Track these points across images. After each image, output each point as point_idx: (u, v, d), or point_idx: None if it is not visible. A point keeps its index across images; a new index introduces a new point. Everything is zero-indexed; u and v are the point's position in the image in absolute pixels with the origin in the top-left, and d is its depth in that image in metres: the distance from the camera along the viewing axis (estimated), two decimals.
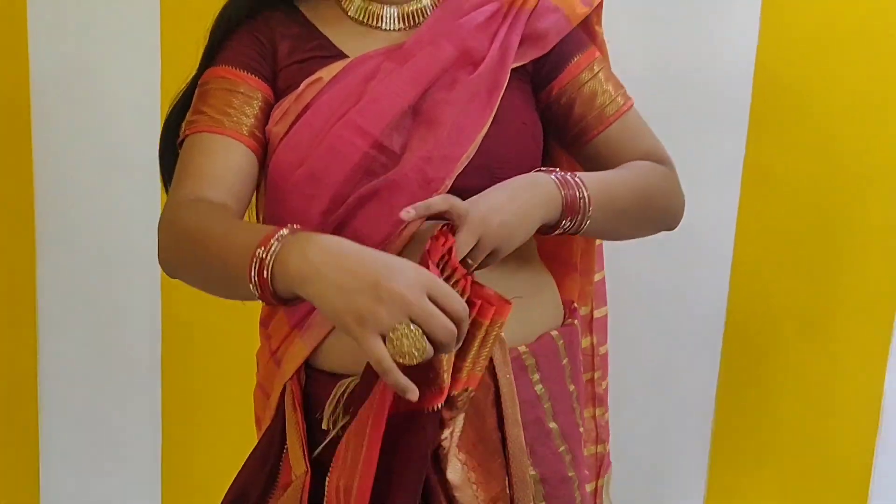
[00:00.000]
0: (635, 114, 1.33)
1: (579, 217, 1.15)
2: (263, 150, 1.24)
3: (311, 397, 1.23)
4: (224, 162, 1.20)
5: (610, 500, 1.51)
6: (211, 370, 2.24)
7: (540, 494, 1.21)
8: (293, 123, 1.22)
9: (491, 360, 1.15)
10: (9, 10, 2.12)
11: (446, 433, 1.11)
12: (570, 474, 1.25)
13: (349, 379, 1.18)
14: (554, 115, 1.30)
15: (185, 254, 1.14)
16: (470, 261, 1.07)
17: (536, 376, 1.22)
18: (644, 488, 2.15)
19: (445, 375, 1.02)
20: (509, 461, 1.17)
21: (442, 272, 1.02)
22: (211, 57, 1.28)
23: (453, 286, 0.99)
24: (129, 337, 2.25)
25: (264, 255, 0.99)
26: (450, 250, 1.03)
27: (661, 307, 2.11)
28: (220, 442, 2.18)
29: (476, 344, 1.03)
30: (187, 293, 2.19)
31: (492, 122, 1.20)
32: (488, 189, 1.12)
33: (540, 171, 1.17)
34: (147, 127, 2.13)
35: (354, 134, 1.17)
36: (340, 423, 1.18)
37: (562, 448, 1.25)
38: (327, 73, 1.23)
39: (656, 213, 1.30)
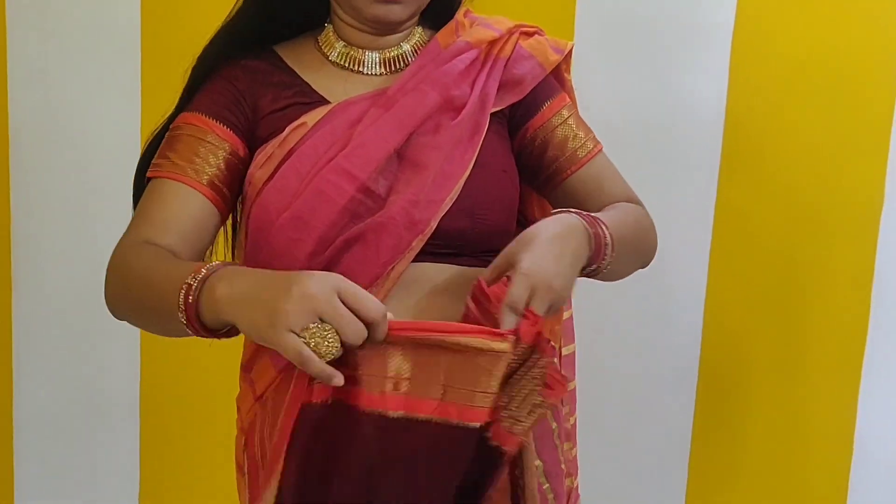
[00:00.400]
0: (605, 157, 1.38)
1: (605, 258, 1.19)
2: (224, 201, 1.26)
3: None
4: (179, 209, 1.22)
5: None
6: (190, 413, 2.28)
7: None
8: (278, 167, 1.24)
9: None
10: None
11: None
12: None
13: None
14: (528, 157, 1.34)
15: (128, 293, 1.17)
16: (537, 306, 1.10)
17: None
18: None
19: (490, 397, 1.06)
20: None
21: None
22: (187, 100, 1.30)
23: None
24: (106, 378, 2.27)
25: (192, 282, 1.05)
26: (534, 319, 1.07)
27: (636, 345, 2.19)
28: (198, 485, 2.23)
29: (526, 379, 1.07)
30: (169, 342, 2.24)
31: (473, 166, 1.24)
32: (530, 241, 1.12)
33: (562, 212, 1.19)
34: (125, 170, 2.13)
35: (341, 178, 1.20)
36: None
37: (545, 486, 1.27)
38: (311, 118, 1.25)
39: (647, 249, 1.35)
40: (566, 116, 1.34)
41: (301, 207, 1.20)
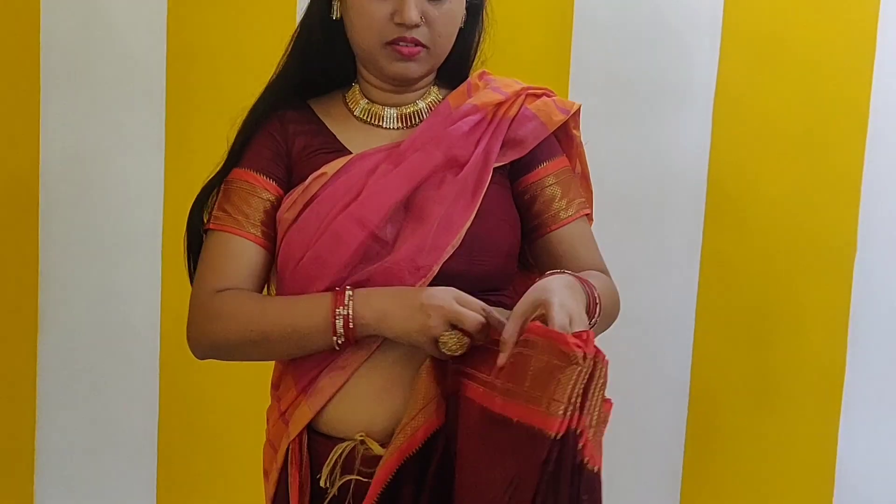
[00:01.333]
0: (586, 224, 1.50)
1: (595, 318, 1.32)
2: (274, 243, 1.44)
3: (312, 458, 1.37)
4: (240, 259, 1.42)
5: None
6: (207, 446, 2.38)
7: None
8: (301, 211, 1.40)
9: None
10: (24, 100, 2.31)
11: None
12: None
13: (346, 443, 1.33)
14: (526, 204, 1.48)
15: (251, 331, 1.37)
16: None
17: None
18: None
19: (568, 409, 1.14)
20: None
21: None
22: (238, 155, 1.47)
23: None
24: (127, 412, 2.38)
25: (346, 313, 1.32)
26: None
27: (627, 383, 2.26)
28: None
29: (596, 389, 1.16)
30: (184, 369, 2.34)
31: (475, 216, 1.38)
32: (549, 288, 1.24)
33: (558, 272, 1.31)
34: (150, 213, 2.33)
35: (355, 224, 1.36)
36: (338, 483, 1.33)
37: None
38: (331, 168, 1.40)
39: (614, 315, 1.47)
40: (559, 178, 1.47)
41: (320, 248, 1.36)
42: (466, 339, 1.27)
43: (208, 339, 1.40)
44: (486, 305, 1.29)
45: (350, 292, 1.32)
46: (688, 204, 2.29)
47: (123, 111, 2.33)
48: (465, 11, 1.46)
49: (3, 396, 2.41)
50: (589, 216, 1.52)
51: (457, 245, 1.36)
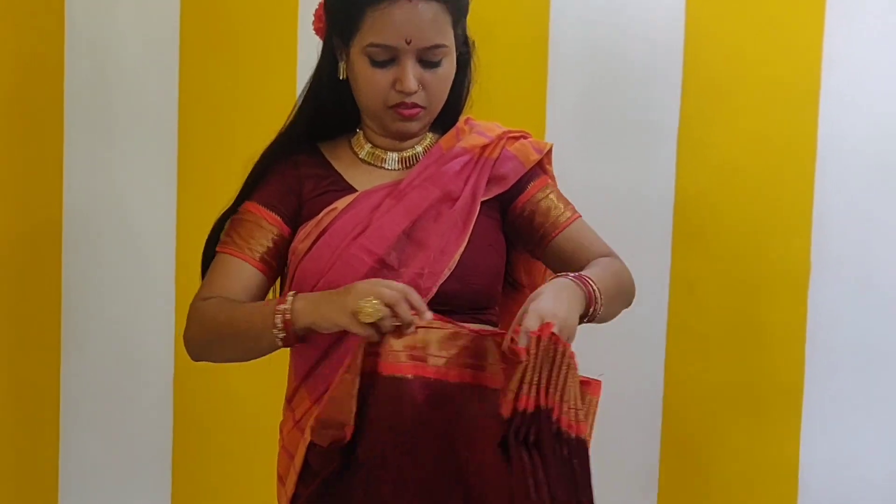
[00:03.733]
0: (584, 222, 1.68)
1: (597, 306, 1.46)
2: (271, 270, 1.61)
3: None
4: (237, 277, 1.59)
5: None
6: (219, 461, 2.51)
7: None
8: (314, 242, 1.57)
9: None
10: (49, 143, 2.48)
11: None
12: None
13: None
14: (521, 226, 1.66)
15: (212, 331, 1.55)
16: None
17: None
18: None
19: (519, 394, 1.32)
20: None
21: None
22: (250, 190, 1.64)
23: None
24: (143, 432, 2.52)
25: (283, 309, 1.45)
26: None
27: (606, 395, 2.39)
28: None
29: (561, 372, 1.33)
30: (196, 392, 2.49)
31: (466, 244, 1.57)
32: (536, 295, 1.40)
33: (558, 276, 1.46)
34: (164, 247, 2.49)
35: (363, 253, 1.53)
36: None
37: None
38: (341, 203, 1.58)
39: (627, 291, 1.63)
40: (548, 192, 1.65)
41: (332, 275, 1.54)
42: (383, 308, 1.35)
43: (188, 341, 1.60)
44: (410, 289, 1.40)
45: (292, 295, 1.46)
46: (657, 230, 2.41)
47: (139, 153, 2.49)
48: (455, 65, 1.61)
49: (30, 420, 2.54)
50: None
51: (452, 268, 1.54)
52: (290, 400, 1.63)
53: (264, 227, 1.61)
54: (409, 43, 1.52)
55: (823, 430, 2.44)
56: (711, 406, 2.45)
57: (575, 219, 1.66)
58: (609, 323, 1.65)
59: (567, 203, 1.68)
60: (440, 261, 1.54)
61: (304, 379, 1.60)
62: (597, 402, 1.43)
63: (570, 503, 1.33)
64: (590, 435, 1.40)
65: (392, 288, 1.39)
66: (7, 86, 2.47)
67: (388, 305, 1.37)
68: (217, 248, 1.63)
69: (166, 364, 2.51)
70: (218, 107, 2.46)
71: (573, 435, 1.34)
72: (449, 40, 1.56)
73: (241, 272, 1.59)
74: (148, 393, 2.52)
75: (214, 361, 1.63)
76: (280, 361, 2.43)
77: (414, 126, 1.60)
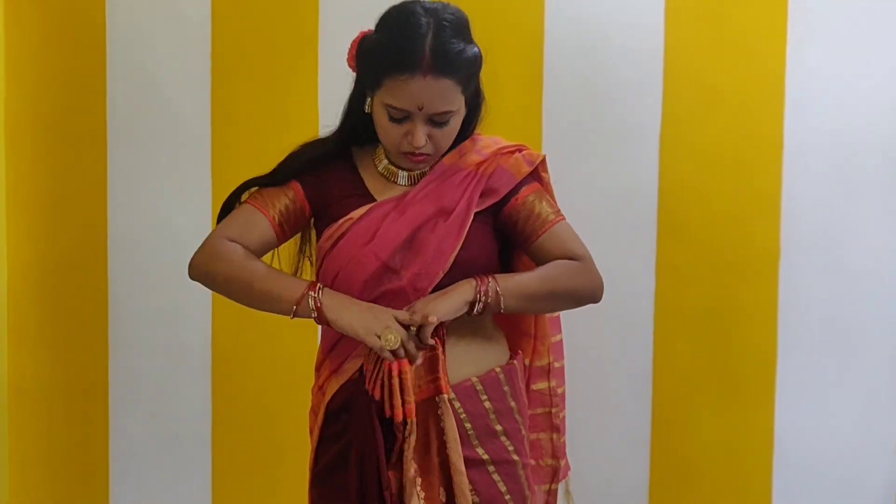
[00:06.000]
0: (565, 225, 1.87)
1: (493, 299, 1.74)
2: (282, 232, 1.84)
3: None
4: (254, 229, 1.81)
5: (571, 496, 2.04)
6: (255, 444, 2.68)
7: (493, 471, 1.79)
8: (334, 244, 1.79)
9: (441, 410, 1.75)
10: (93, 157, 2.63)
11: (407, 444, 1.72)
12: (513, 458, 1.82)
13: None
14: (510, 225, 1.84)
15: (227, 273, 1.78)
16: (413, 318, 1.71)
17: (485, 397, 1.81)
18: None
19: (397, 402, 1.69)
20: (451, 481, 1.73)
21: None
22: (290, 164, 1.85)
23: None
24: (184, 419, 2.70)
25: (315, 295, 1.73)
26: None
27: (598, 376, 2.59)
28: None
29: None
30: (233, 381, 2.68)
31: (461, 248, 1.75)
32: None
33: (472, 278, 1.76)
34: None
35: (371, 257, 1.75)
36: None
37: (506, 442, 1.82)
38: (357, 213, 1.79)
39: (565, 293, 1.83)
40: (533, 199, 1.83)
41: (345, 273, 1.78)
42: (401, 337, 1.68)
43: (205, 269, 1.81)
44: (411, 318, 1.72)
45: (320, 288, 1.73)
46: (643, 221, 2.57)
47: (175, 163, 2.64)
48: (465, 111, 1.77)
49: (80, 410, 2.71)
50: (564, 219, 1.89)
51: (446, 270, 1.75)
52: (317, 368, 1.89)
53: (290, 197, 1.83)
54: (420, 109, 1.70)
55: (795, 398, 2.61)
56: (695, 378, 2.61)
57: (555, 222, 1.84)
58: (600, 305, 1.89)
59: (552, 207, 1.87)
60: (435, 264, 1.75)
61: (328, 353, 1.84)
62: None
63: None
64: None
65: (402, 323, 1.70)
66: (54, 105, 2.64)
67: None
68: (247, 200, 1.84)
69: (204, 354, 2.68)
70: (246, 121, 2.62)
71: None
72: (457, 104, 1.74)
73: (259, 225, 1.81)
74: (188, 379, 2.68)
75: (210, 289, 1.86)
76: (310, 352, 2.64)
77: (422, 166, 1.81)
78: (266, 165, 2.48)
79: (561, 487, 2.03)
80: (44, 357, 2.71)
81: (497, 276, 1.78)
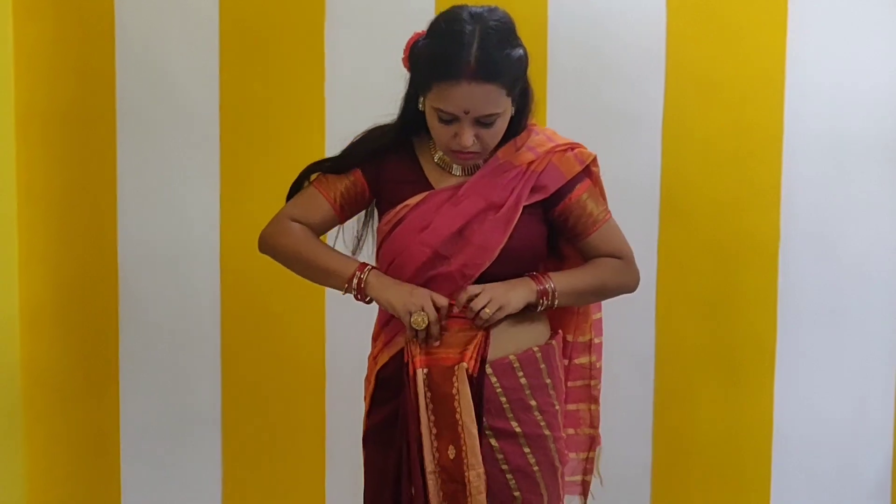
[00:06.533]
0: (612, 224, 2.01)
1: (550, 298, 1.89)
2: (342, 213, 1.99)
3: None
4: (316, 211, 1.98)
5: (599, 470, 2.14)
6: (264, 423, 2.74)
7: (524, 444, 1.91)
8: (392, 229, 1.92)
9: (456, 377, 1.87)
10: (103, 145, 2.67)
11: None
12: (545, 433, 1.94)
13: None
14: (562, 222, 1.97)
15: (291, 249, 1.97)
16: (487, 310, 1.85)
17: (521, 373, 1.92)
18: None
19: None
20: (463, 434, 1.85)
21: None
22: (353, 157, 1.97)
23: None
24: (194, 397, 2.75)
25: (361, 276, 1.91)
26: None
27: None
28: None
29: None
30: (242, 362, 2.73)
31: (508, 240, 1.88)
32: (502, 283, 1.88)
33: (529, 275, 1.89)
34: (209, 234, 2.70)
35: (424, 246, 1.89)
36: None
37: (538, 416, 1.93)
38: (413, 200, 1.91)
39: (609, 289, 2.00)
40: (584, 200, 1.95)
41: (400, 260, 1.91)
42: (428, 320, 1.85)
43: (272, 242, 2.00)
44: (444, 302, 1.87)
45: (368, 266, 1.92)
46: (645, 206, 2.63)
47: (184, 153, 2.68)
48: (513, 107, 1.86)
49: (92, 393, 2.76)
50: (611, 217, 2.01)
51: (492, 260, 1.88)
52: (373, 339, 2.04)
53: (352, 180, 1.97)
54: (466, 113, 1.81)
55: (794, 381, 2.68)
56: (697, 362, 2.69)
57: (604, 222, 1.99)
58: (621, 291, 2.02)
59: (601, 206, 1.99)
60: (482, 255, 1.89)
61: (383, 326, 2.00)
62: None
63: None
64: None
65: (437, 306, 1.85)
66: (65, 98, 2.67)
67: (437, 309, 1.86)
68: (314, 183, 2.00)
69: (214, 338, 2.74)
70: (255, 111, 2.67)
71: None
72: (502, 107, 1.83)
73: (321, 207, 1.98)
74: (197, 358, 2.74)
75: (275, 260, 2.02)
76: (317, 335, 2.68)
77: (471, 164, 1.93)
78: (274, 156, 2.53)
79: (596, 456, 2.14)
80: (56, 342, 2.75)
81: (553, 276, 1.91)
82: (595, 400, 2.12)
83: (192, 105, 2.68)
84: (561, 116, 2.61)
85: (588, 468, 2.12)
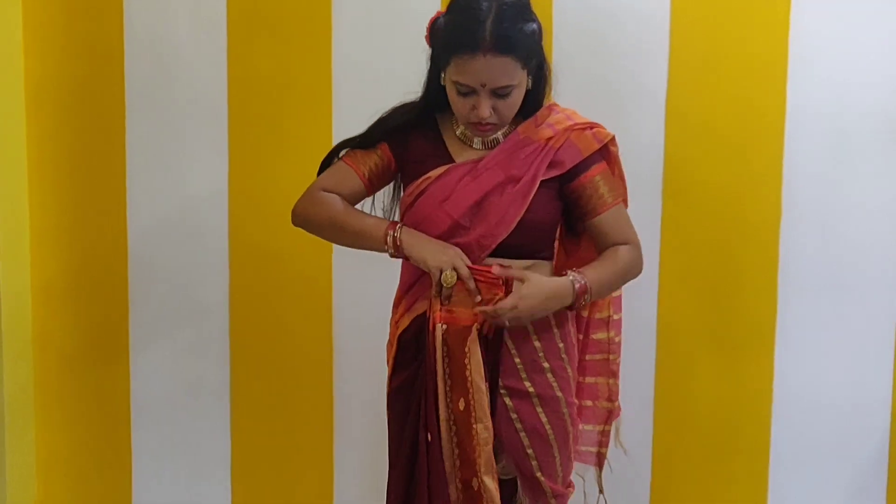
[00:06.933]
0: (620, 209, 2.07)
1: (586, 298, 1.97)
2: (371, 185, 2.09)
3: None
4: (346, 182, 2.07)
5: (621, 441, 2.22)
6: (271, 392, 2.79)
7: (537, 404, 2.02)
8: (415, 200, 2.01)
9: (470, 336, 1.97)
10: (112, 121, 2.69)
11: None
12: (557, 394, 2.04)
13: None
14: (574, 199, 2.05)
15: (324, 217, 2.06)
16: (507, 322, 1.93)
17: (535, 337, 2.02)
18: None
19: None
20: (471, 390, 1.96)
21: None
22: (380, 133, 2.06)
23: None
24: (203, 370, 2.79)
25: (394, 234, 1.99)
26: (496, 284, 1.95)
27: None
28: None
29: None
30: (249, 336, 2.77)
31: (525, 213, 1.96)
32: (542, 282, 1.94)
33: (566, 274, 1.96)
34: (217, 209, 2.72)
35: (444, 215, 1.99)
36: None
37: (551, 378, 2.04)
38: (435, 173, 2.00)
39: (627, 278, 2.09)
40: (597, 181, 2.02)
41: (422, 227, 2.01)
42: (457, 279, 1.95)
43: (306, 213, 2.08)
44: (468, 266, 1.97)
45: (400, 224, 2.00)
46: (649, 184, 2.64)
47: (193, 130, 2.71)
48: (529, 80, 1.94)
49: (102, 362, 2.81)
50: (625, 201, 2.07)
51: (509, 231, 1.96)
52: (395, 306, 2.14)
53: (379, 155, 2.07)
54: (483, 86, 1.90)
55: (793, 354, 2.72)
56: (698, 335, 2.72)
57: (613, 205, 2.05)
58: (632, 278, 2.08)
59: (614, 190, 2.05)
60: (500, 227, 1.97)
61: (404, 293, 2.09)
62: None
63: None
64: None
65: (464, 269, 1.94)
66: (74, 75, 2.70)
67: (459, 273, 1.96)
68: (344, 158, 2.09)
69: (222, 309, 2.78)
70: (262, 87, 2.69)
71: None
72: (518, 79, 1.92)
73: (351, 179, 2.08)
74: (205, 332, 2.79)
75: (309, 232, 2.12)
76: (324, 303, 2.69)
77: (490, 135, 2.00)
78: (282, 133, 2.55)
79: (613, 427, 2.23)
80: (67, 315, 2.80)
81: (588, 274, 1.97)
82: (614, 374, 2.19)
83: (201, 82, 2.70)
84: (564, 90, 2.46)
85: (604, 441, 2.20)
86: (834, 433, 2.76)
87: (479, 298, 1.95)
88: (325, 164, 2.13)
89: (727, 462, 2.78)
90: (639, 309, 2.68)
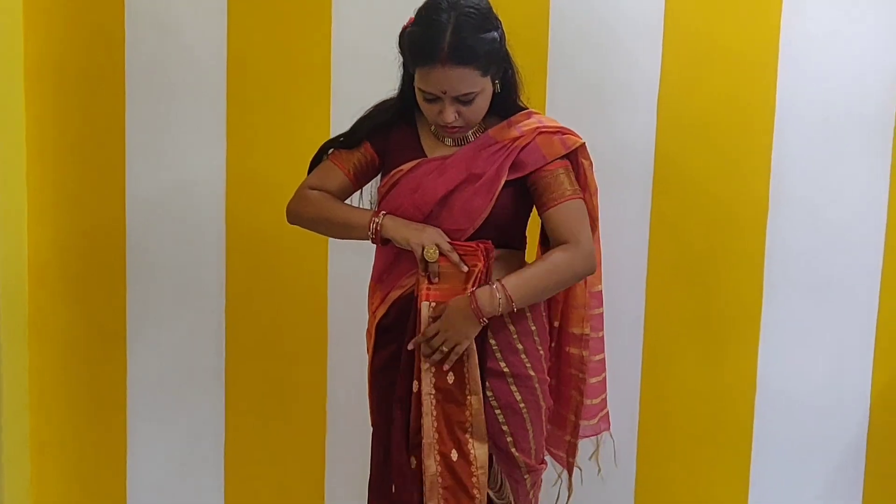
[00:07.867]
0: (577, 204, 2.10)
1: (504, 307, 2.03)
2: (357, 180, 2.19)
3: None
4: (332, 180, 2.18)
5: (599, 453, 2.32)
6: (267, 378, 2.82)
7: (512, 382, 2.12)
8: (388, 191, 2.13)
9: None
10: (112, 106, 2.70)
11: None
12: (530, 373, 2.14)
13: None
14: (532, 191, 2.11)
15: (313, 213, 2.16)
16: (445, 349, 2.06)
17: (509, 320, 2.11)
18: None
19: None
20: (467, 370, 2.06)
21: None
22: (362, 131, 2.16)
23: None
24: (198, 354, 2.81)
25: (377, 220, 2.08)
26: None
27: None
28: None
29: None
30: (245, 321, 2.80)
31: (491, 209, 2.05)
32: (459, 303, 2.04)
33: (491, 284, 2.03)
34: (214, 193, 2.73)
35: (414, 208, 2.09)
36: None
37: (525, 358, 2.13)
38: (407, 166, 2.11)
39: (564, 279, 2.10)
40: (558, 174, 2.08)
41: (398, 216, 2.08)
42: (437, 254, 2.04)
43: (297, 211, 2.19)
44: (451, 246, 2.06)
45: (384, 213, 2.08)
46: (640, 176, 2.68)
47: (192, 113, 2.71)
48: (497, 84, 2.03)
49: (98, 346, 2.82)
50: (592, 212, 2.12)
51: (476, 227, 2.06)
52: (370, 296, 2.23)
53: (363, 152, 2.17)
54: (444, 93, 1.99)
55: (778, 344, 2.75)
56: (685, 324, 2.74)
57: (566, 200, 2.09)
58: (578, 278, 2.13)
59: (573, 184, 2.10)
60: (465, 221, 2.08)
61: (378, 281, 2.19)
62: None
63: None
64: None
65: (445, 244, 2.03)
66: (74, 54, 2.70)
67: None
68: (330, 157, 2.19)
69: (218, 290, 2.79)
70: (262, 69, 2.69)
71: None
72: (479, 86, 2.00)
73: (336, 177, 2.18)
74: (202, 316, 2.81)
75: (304, 228, 2.22)
76: (319, 289, 2.72)
77: (458, 136, 2.08)
78: (280, 115, 2.56)
79: (593, 442, 2.35)
80: (64, 297, 2.81)
81: (509, 281, 2.03)
82: (581, 392, 2.27)
83: (200, 62, 2.70)
84: (560, 83, 2.65)
85: (570, 451, 2.31)
86: (814, 427, 2.79)
87: (465, 268, 2.03)
88: (314, 164, 2.23)
89: (710, 454, 2.81)
90: (626, 303, 2.73)
